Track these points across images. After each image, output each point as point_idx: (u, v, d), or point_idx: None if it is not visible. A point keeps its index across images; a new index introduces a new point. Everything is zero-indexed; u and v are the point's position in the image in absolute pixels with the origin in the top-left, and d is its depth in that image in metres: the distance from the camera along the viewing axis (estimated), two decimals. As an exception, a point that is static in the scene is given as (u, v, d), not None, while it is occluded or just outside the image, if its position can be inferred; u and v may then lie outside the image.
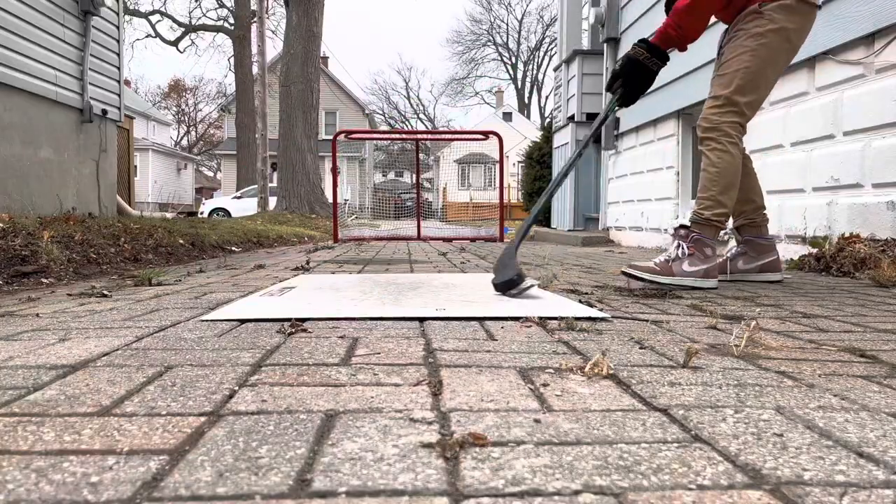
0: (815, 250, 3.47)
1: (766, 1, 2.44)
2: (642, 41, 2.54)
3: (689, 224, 2.50)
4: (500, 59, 52.29)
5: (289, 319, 1.60)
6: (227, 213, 21.80)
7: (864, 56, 3.50)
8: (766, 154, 4.40)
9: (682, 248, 2.45)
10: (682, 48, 2.58)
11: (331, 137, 7.57)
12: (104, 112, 6.44)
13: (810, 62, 3.94)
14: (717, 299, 2.17)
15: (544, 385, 1.02)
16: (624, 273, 2.48)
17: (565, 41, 8.91)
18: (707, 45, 5.09)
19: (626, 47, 7.12)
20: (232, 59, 29.32)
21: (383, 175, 50.28)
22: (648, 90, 2.64)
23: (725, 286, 2.60)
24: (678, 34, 2.50)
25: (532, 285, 2.15)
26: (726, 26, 2.65)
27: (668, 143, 6.06)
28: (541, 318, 1.64)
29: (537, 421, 0.84)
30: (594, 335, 1.46)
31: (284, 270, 3.31)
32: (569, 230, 8.39)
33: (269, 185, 16.76)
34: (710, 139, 2.55)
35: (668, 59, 2.55)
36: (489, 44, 51.13)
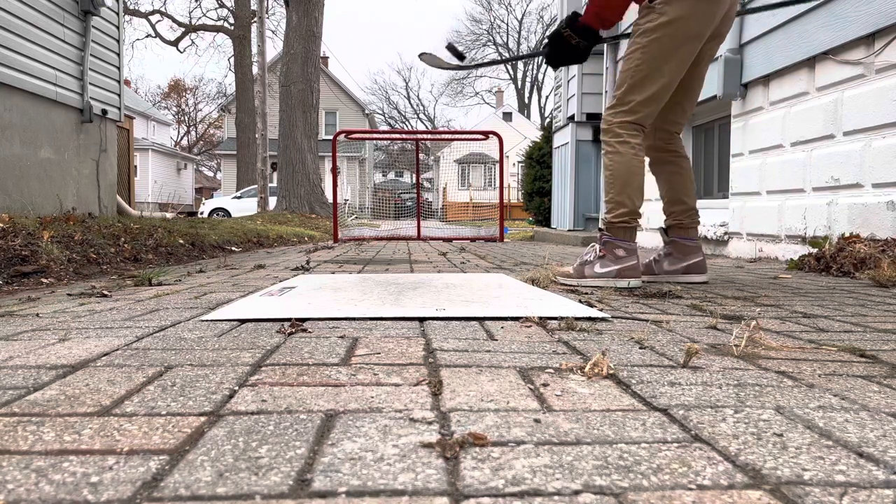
0: (815, 250, 3.47)
1: None
2: (574, 15, 2.60)
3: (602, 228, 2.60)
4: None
5: (289, 319, 1.60)
6: (227, 213, 21.80)
7: (864, 56, 3.50)
8: (766, 154, 4.40)
9: (595, 251, 2.55)
10: (605, 28, 2.62)
11: (331, 137, 7.57)
12: (104, 112, 6.44)
13: (810, 62, 3.94)
14: (717, 299, 2.17)
15: (544, 385, 1.02)
16: (554, 281, 2.60)
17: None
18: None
19: (625, 47, 7.13)
20: (232, 59, 29.32)
21: (383, 175, 50.27)
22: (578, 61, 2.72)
23: (725, 286, 2.60)
24: (599, 21, 2.55)
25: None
26: None
27: (668, 143, 6.05)
28: (541, 318, 1.64)
29: (537, 421, 0.84)
30: (594, 335, 1.46)
31: (284, 270, 3.31)
32: (569, 230, 8.39)
33: (269, 185, 16.77)
34: (604, 142, 2.59)
35: (595, 38, 2.58)
36: (489, 44, 51.11)
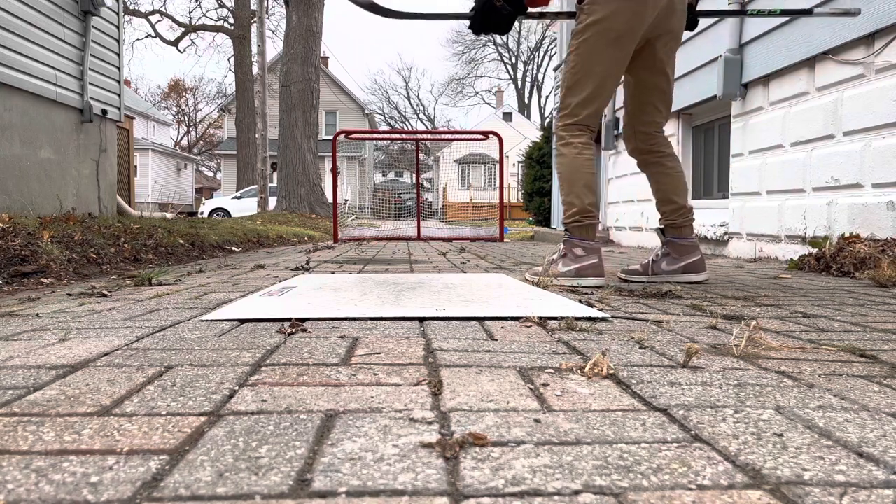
0: (815, 250, 3.47)
1: None
2: None
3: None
4: (500, 59, 52.30)
5: (289, 319, 1.60)
6: (227, 213, 21.81)
7: (864, 56, 3.50)
8: (766, 154, 4.40)
9: (559, 251, 2.60)
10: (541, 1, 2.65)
11: (331, 137, 7.57)
12: (104, 112, 6.44)
13: (810, 62, 3.94)
14: (717, 299, 2.17)
15: (544, 385, 1.02)
16: (528, 279, 2.65)
17: (565, 41, 8.90)
18: (707, 44, 5.09)
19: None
20: (232, 59, 29.33)
21: (383, 175, 50.27)
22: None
23: (725, 286, 2.60)
24: None
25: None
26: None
27: (668, 143, 6.05)
28: (541, 318, 1.64)
29: (537, 421, 0.84)
30: (594, 335, 1.46)
31: (284, 270, 3.31)
32: (569, 230, 8.38)
33: (269, 185, 16.77)
34: (555, 148, 2.66)
35: (522, 8, 2.55)
36: (489, 44, 51.11)
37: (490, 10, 2.55)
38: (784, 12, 2.92)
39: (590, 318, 1.69)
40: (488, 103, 53.13)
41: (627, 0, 2.42)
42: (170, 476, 0.66)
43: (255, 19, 17.37)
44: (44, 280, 2.80)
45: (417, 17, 2.85)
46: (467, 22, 2.63)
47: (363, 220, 19.49)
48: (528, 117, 47.53)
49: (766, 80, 4.43)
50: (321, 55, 16.53)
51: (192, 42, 56.72)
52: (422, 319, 1.66)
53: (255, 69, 22.50)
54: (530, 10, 2.62)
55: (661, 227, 2.79)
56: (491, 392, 0.98)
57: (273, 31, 34.75)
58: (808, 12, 2.88)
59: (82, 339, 1.40)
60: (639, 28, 2.46)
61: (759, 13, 2.95)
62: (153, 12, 31.94)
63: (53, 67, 5.55)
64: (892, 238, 3.14)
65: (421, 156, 8.98)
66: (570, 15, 2.77)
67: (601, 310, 1.85)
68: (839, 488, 0.64)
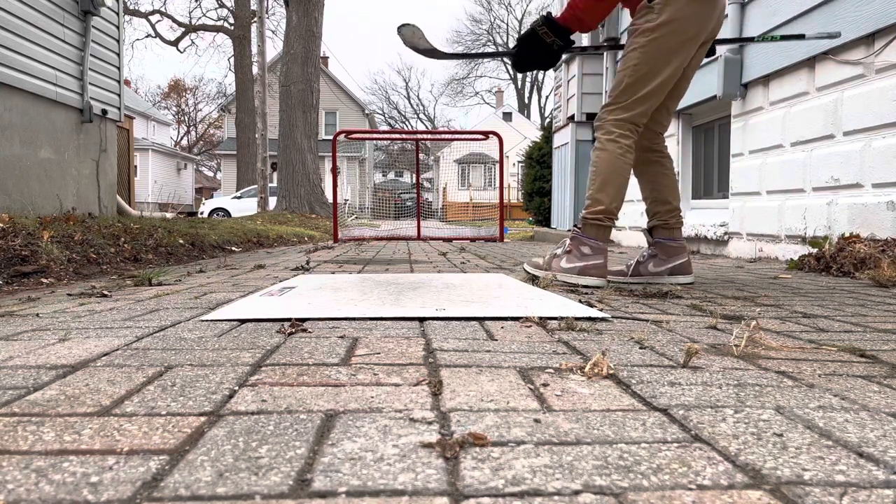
0: (815, 250, 3.47)
1: None
2: (548, 15, 2.55)
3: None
4: (500, 59, 52.26)
5: (289, 319, 1.60)
6: (227, 213, 21.81)
7: (864, 56, 3.50)
8: (766, 154, 4.40)
9: (564, 246, 2.51)
10: (581, 30, 2.58)
11: (331, 137, 7.57)
12: (104, 112, 6.44)
13: (810, 62, 3.94)
14: (717, 299, 2.17)
15: (544, 385, 1.02)
16: (524, 271, 2.63)
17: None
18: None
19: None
20: (232, 59, 29.33)
21: (383, 175, 50.28)
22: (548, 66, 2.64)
23: (725, 286, 2.60)
24: (577, 24, 2.51)
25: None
26: None
27: (667, 143, 6.05)
28: (541, 318, 1.64)
29: (537, 421, 0.84)
30: (594, 335, 1.46)
31: (284, 270, 3.31)
32: (569, 230, 8.38)
33: (269, 185, 16.78)
34: (596, 138, 2.55)
35: (569, 41, 2.54)
36: (489, 44, 51.10)
37: (537, 45, 2.52)
38: (784, 38, 2.97)
39: (590, 318, 1.69)
40: (488, 103, 53.18)
41: (702, 4, 2.41)
42: (170, 476, 0.66)
43: (255, 19, 17.37)
44: (44, 280, 2.80)
45: (464, 58, 2.88)
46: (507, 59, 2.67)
47: (363, 220, 19.49)
48: (528, 117, 47.54)
49: (766, 80, 4.43)
50: (321, 55, 16.53)
51: (192, 42, 56.75)
52: (422, 319, 1.66)
53: (255, 69, 22.51)
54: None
55: (650, 227, 2.74)
56: (491, 392, 0.98)
57: (273, 31, 34.78)
58: (801, 37, 2.92)
59: (82, 339, 1.40)
60: (704, 32, 2.46)
61: (764, 39, 2.99)
62: (153, 12, 31.95)
63: (53, 67, 5.55)
64: (892, 238, 3.14)
65: (421, 156, 8.98)
66: (611, 46, 2.79)
67: (601, 310, 1.85)
68: (839, 488, 0.64)
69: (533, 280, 2.59)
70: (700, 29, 2.44)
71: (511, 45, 51.99)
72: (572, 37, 2.56)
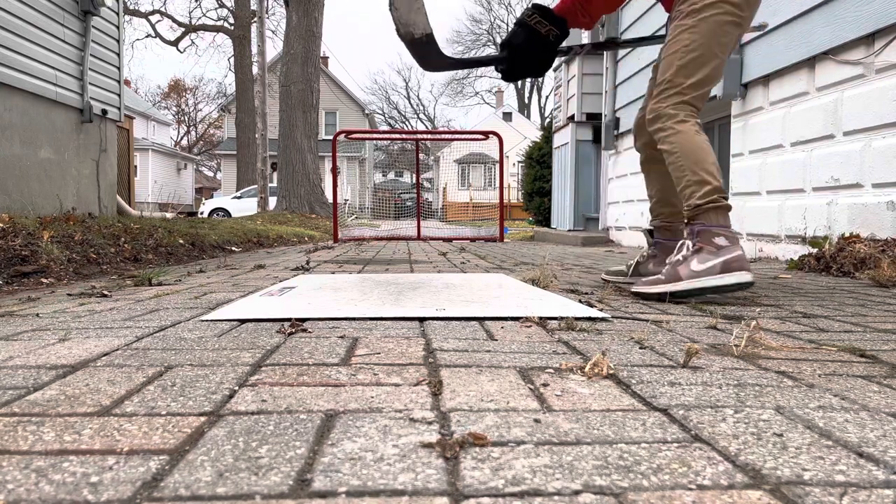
0: (815, 250, 3.47)
1: None
2: (535, 5, 2.31)
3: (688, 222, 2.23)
4: (491, 65, 52.25)
5: (289, 319, 1.60)
6: (227, 213, 21.81)
7: (864, 56, 3.50)
8: (767, 154, 4.40)
9: (688, 246, 2.12)
10: (584, 20, 2.37)
11: (331, 137, 7.57)
12: (104, 112, 6.44)
13: (810, 62, 3.94)
14: (717, 299, 2.17)
15: (544, 385, 1.02)
16: (634, 293, 2.21)
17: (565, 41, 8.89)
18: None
19: (625, 47, 7.14)
20: (232, 59, 29.34)
21: (383, 175, 50.29)
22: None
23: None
24: (581, 11, 2.31)
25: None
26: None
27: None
28: (541, 318, 1.64)
29: (537, 421, 0.84)
30: (594, 335, 1.46)
31: (284, 270, 3.31)
32: (569, 230, 8.39)
33: (269, 185, 16.78)
34: (657, 130, 2.31)
35: (565, 30, 2.33)
36: (489, 44, 51.12)
37: (529, 40, 2.28)
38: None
39: (590, 318, 1.69)
40: (488, 103, 53.19)
41: None
42: (170, 476, 0.66)
43: (255, 19, 17.37)
44: (44, 280, 2.80)
45: (457, 67, 2.54)
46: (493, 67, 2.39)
47: (363, 220, 19.49)
48: (528, 117, 47.55)
49: (766, 80, 4.43)
50: (321, 55, 16.53)
51: (192, 42, 56.81)
52: (422, 319, 1.66)
53: (255, 69, 22.51)
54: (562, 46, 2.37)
55: (651, 228, 2.63)
56: (491, 392, 0.98)
57: (273, 31, 34.80)
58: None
59: (82, 339, 1.40)
60: (749, 17, 2.28)
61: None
62: (153, 12, 31.97)
63: (53, 67, 5.55)
64: (892, 238, 3.14)
65: (421, 156, 8.98)
66: (595, 46, 2.54)
67: (601, 310, 1.85)
68: (839, 488, 0.64)
69: (533, 281, 2.58)
70: (750, 11, 2.28)
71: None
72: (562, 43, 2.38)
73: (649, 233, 2.66)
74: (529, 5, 2.32)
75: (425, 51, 2.25)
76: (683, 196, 2.21)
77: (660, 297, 2.10)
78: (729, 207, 2.14)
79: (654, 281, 2.15)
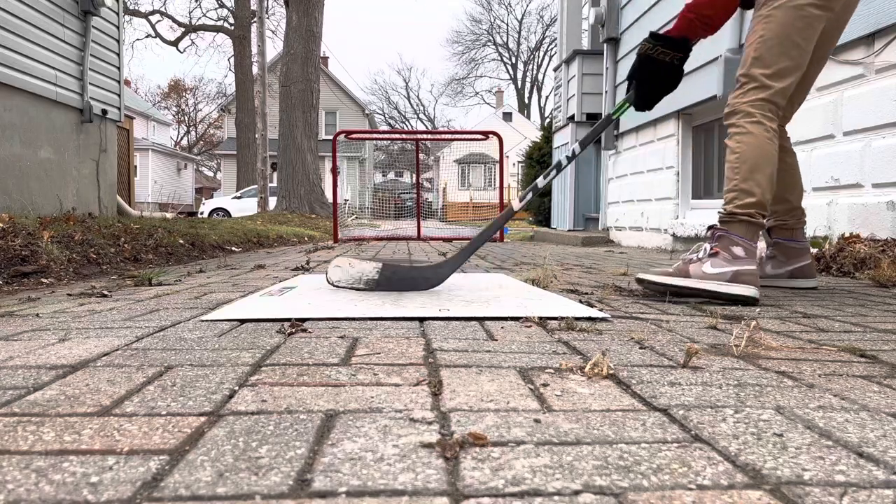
0: (815, 250, 3.47)
1: None
2: (652, 35, 2.28)
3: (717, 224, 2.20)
4: (500, 59, 52.38)
5: (289, 319, 1.60)
6: (227, 213, 21.82)
7: (864, 56, 3.50)
8: (766, 154, 4.40)
9: (705, 248, 2.13)
10: (707, 31, 2.28)
11: (331, 137, 7.57)
12: (104, 112, 6.44)
13: (810, 62, 3.94)
14: (717, 299, 2.16)
15: (544, 385, 1.02)
16: (637, 281, 2.21)
17: (565, 41, 8.91)
18: (707, 43, 5.07)
19: (626, 47, 7.14)
20: (232, 59, 29.34)
21: (383, 175, 50.30)
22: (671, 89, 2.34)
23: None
24: (701, 23, 2.24)
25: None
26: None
27: (667, 143, 6.06)
28: (541, 318, 1.64)
29: (537, 421, 0.84)
30: (594, 335, 1.46)
31: (284, 270, 3.31)
32: (569, 230, 8.39)
33: (269, 185, 16.78)
34: (729, 125, 2.23)
35: (688, 49, 2.28)
36: (489, 44, 51.18)
37: (657, 70, 2.26)
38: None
39: (590, 318, 1.69)
40: (488, 103, 53.21)
41: None
42: (170, 476, 0.66)
43: (255, 19, 17.37)
44: (44, 280, 2.80)
45: (594, 135, 2.46)
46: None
47: (363, 221, 19.49)
48: (528, 117, 47.57)
49: (766, 80, 4.43)
50: (321, 55, 16.53)
51: (192, 42, 56.82)
52: (422, 319, 1.66)
53: (255, 69, 22.51)
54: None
55: (768, 227, 2.52)
56: (491, 392, 0.98)
57: (273, 31, 34.78)
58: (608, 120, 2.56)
59: (82, 339, 1.40)
60: (836, 5, 2.17)
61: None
62: (153, 12, 31.97)
63: (53, 67, 5.55)
64: (892, 238, 3.14)
65: (421, 156, 8.98)
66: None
67: (601, 310, 1.85)
68: (839, 488, 0.64)
69: (533, 281, 2.57)
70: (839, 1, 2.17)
71: (511, 44, 51.58)
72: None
73: (767, 232, 2.56)
74: (647, 36, 2.29)
75: (389, 276, 2.21)
76: (726, 198, 2.18)
77: (662, 291, 2.11)
78: (762, 226, 2.14)
79: (662, 273, 2.15)
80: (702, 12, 2.22)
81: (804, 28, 2.14)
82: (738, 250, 2.06)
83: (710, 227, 2.18)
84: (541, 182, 2.46)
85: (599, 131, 2.50)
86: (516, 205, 2.46)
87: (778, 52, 2.14)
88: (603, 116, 7.61)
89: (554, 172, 2.49)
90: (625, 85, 2.59)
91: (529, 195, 2.48)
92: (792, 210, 2.49)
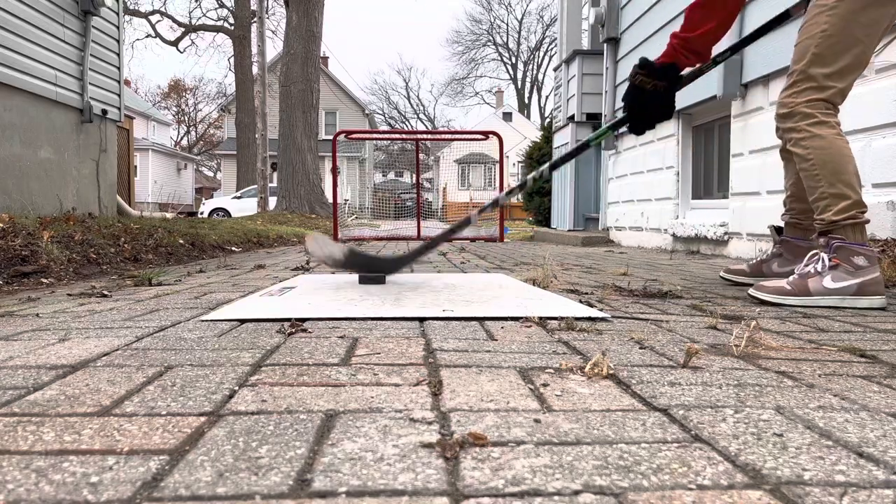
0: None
1: None
2: (640, 61, 2.27)
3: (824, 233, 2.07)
4: (500, 59, 52.36)
5: (289, 319, 1.60)
6: (227, 213, 21.82)
7: (864, 56, 3.50)
8: (767, 154, 4.40)
9: (823, 261, 2.00)
10: (692, 59, 2.25)
11: (331, 137, 7.57)
12: (104, 112, 6.44)
13: (810, 62, 3.94)
14: (717, 299, 2.17)
15: (544, 385, 1.02)
16: (750, 296, 2.11)
17: (565, 41, 8.90)
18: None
19: (626, 47, 7.14)
20: (232, 59, 29.34)
21: (383, 175, 50.30)
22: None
23: (725, 286, 2.59)
24: (684, 52, 2.23)
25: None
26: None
27: (668, 143, 6.06)
28: (541, 318, 1.64)
29: (537, 421, 0.84)
30: (594, 335, 1.46)
31: (284, 270, 3.31)
32: (569, 230, 8.39)
33: (269, 185, 16.78)
34: (789, 129, 2.12)
35: (675, 77, 2.26)
36: (489, 44, 51.17)
37: (643, 96, 2.24)
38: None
39: (590, 318, 1.69)
40: (488, 103, 53.20)
41: None
42: (170, 476, 0.66)
43: (255, 19, 17.37)
44: (44, 280, 2.80)
45: (566, 160, 2.54)
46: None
47: (363, 221, 19.49)
48: (528, 117, 47.56)
49: (766, 80, 4.43)
50: (321, 55, 16.54)
51: (192, 42, 56.82)
52: (422, 319, 1.66)
53: (255, 69, 22.51)
54: (686, 70, 2.29)
55: (778, 225, 2.47)
56: (491, 392, 0.98)
57: (273, 31, 34.75)
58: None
59: (82, 339, 1.40)
60: None
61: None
62: (153, 12, 31.96)
63: (53, 67, 5.55)
64: (893, 238, 3.14)
65: (421, 156, 8.99)
66: (733, 51, 2.33)
67: (601, 310, 1.85)
68: (839, 488, 0.64)
69: (533, 281, 2.57)
70: None
71: (511, 45, 51.69)
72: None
73: (777, 230, 2.50)
74: (637, 63, 2.28)
75: (352, 260, 2.53)
76: (817, 208, 2.05)
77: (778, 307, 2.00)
78: (867, 222, 2.02)
79: (778, 290, 2.03)
80: (686, 40, 2.20)
81: (869, 23, 2.01)
82: (860, 260, 1.96)
83: (820, 234, 2.05)
84: (501, 199, 2.72)
85: (573, 156, 2.59)
86: (474, 217, 2.60)
87: (841, 50, 2.02)
88: (603, 117, 7.61)
89: (518, 190, 2.63)
90: (625, 85, 2.61)
91: (488, 207, 2.71)
92: (808, 212, 2.36)
